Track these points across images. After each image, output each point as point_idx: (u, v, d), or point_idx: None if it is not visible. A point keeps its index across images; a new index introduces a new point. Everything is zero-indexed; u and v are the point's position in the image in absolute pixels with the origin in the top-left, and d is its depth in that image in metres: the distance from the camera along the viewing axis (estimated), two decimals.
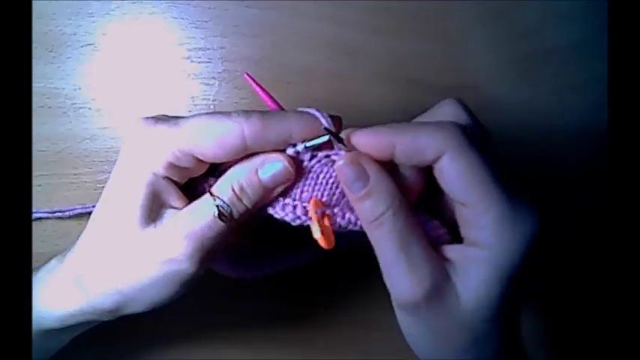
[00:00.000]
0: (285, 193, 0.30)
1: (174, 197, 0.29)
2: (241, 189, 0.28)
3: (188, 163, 0.28)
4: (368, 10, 0.44)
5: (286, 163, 0.28)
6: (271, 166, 0.28)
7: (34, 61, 0.41)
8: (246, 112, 0.27)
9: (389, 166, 0.28)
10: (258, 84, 0.32)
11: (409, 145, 0.26)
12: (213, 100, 0.43)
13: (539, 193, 0.47)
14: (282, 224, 0.31)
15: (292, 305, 0.46)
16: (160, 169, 0.28)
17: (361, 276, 0.45)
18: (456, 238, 0.29)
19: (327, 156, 0.29)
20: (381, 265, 0.28)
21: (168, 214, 0.29)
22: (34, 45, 0.41)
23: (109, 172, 0.43)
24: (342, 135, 0.29)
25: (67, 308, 0.30)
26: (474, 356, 0.27)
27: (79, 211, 0.41)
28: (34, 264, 0.43)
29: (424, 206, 0.30)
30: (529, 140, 0.46)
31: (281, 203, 0.30)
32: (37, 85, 0.42)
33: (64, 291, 0.30)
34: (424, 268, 0.27)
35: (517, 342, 0.29)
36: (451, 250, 0.28)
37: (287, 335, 0.46)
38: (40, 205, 0.42)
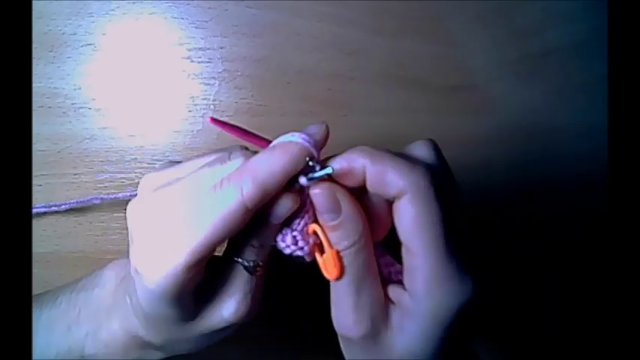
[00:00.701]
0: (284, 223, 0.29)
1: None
2: (259, 243, 0.29)
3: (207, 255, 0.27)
4: (368, 10, 0.44)
5: (293, 200, 0.28)
6: (282, 209, 0.28)
7: (34, 61, 0.41)
8: (239, 181, 0.26)
9: (365, 198, 0.28)
10: (226, 124, 0.29)
11: (376, 175, 0.26)
12: (213, 100, 0.43)
13: (538, 195, 0.47)
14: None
15: (292, 305, 0.46)
16: (184, 277, 0.27)
17: None
18: None
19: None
20: (331, 292, 0.29)
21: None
22: (34, 45, 0.41)
23: (109, 172, 0.43)
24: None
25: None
26: None
27: (74, 204, 0.41)
28: (34, 264, 0.44)
29: (383, 241, 0.30)
30: (529, 140, 0.46)
31: (281, 235, 0.29)
32: (37, 85, 0.42)
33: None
34: (368, 310, 0.27)
35: None
36: (397, 293, 0.28)
37: (287, 335, 0.46)
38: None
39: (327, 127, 0.29)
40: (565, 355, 0.50)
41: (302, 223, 0.29)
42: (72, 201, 0.41)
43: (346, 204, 0.27)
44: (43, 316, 0.34)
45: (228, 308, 0.30)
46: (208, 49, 0.43)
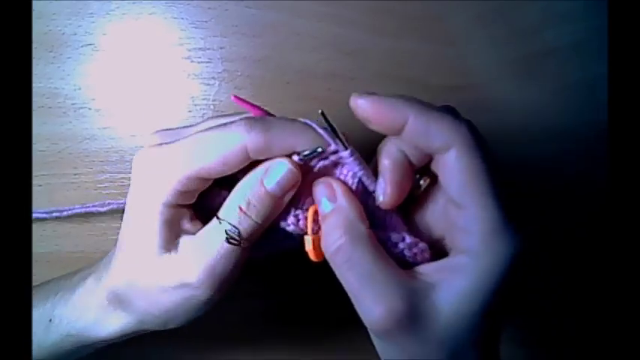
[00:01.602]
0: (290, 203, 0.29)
1: (187, 221, 0.29)
2: (249, 205, 0.28)
3: (194, 184, 0.28)
4: (368, 10, 0.44)
5: (291, 166, 0.27)
6: (276, 172, 0.27)
7: (34, 61, 0.41)
8: (249, 122, 0.27)
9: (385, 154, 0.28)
10: (250, 103, 0.31)
11: (422, 126, 0.26)
12: (213, 100, 0.43)
13: (538, 194, 0.47)
14: None
15: (292, 305, 0.46)
16: (168, 198, 0.28)
17: None
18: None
19: (333, 161, 0.29)
20: (349, 294, 0.27)
21: (183, 241, 0.29)
22: (33, 45, 0.41)
23: (109, 172, 0.43)
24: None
25: (115, 329, 0.32)
26: None
27: (78, 210, 0.41)
28: (34, 264, 0.44)
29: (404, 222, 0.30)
30: (529, 140, 0.46)
31: (286, 214, 0.29)
32: (37, 85, 0.42)
33: (108, 313, 0.31)
34: (394, 295, 0.26)
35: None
36: (428, 268, 0.27)
37: (287, 335, 0.46)
38: (40, 204, 0.42)
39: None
40: (564, 355, 0.50)
41: (302, 200, 0.29)
42: (77, 207, 0.41)
43: (340, 193, 0.28)
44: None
45: (190, 268, 0.28)
46: (208, 49, 0.43)
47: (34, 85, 0.42)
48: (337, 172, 0.29)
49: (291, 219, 0.29)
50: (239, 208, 0.28)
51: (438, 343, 0.26)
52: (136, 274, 0.29)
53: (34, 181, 0.42)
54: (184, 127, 0.32)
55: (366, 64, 0.44)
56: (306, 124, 0.28)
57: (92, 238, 0.44)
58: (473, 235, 0.26)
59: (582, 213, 0.48)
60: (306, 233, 0.29)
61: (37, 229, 0.43)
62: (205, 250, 0.28)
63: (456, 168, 0.26)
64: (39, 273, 0.43)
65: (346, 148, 0.28)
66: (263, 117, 0.30)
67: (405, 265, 0.28)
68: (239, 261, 0.29)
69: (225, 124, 0.27)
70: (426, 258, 0.29)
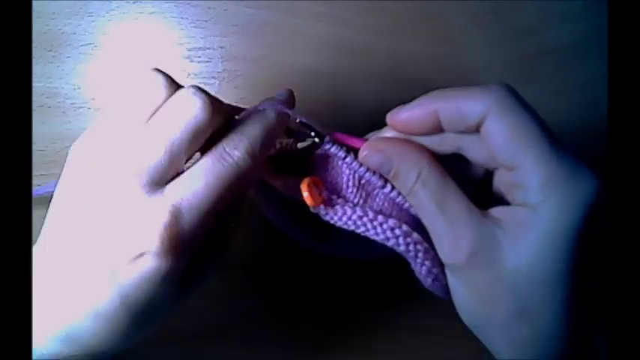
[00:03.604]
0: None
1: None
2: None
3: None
4: (368, 10, 0.44)
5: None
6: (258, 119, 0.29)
7: (34, 61, 0.41)
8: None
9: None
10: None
11: (452, 112, 0.26)
12: None
13: None
14: None
15: (293, 305, 0.46)
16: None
17: (361, 275, 0.45)
18: None
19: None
20: (427, 228, 0.28)
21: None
22: (33, 44, 0.41)
23: None
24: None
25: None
26: (523, 328, 0.26)
27: None
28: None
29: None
30: None
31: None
32: (37, 84, 0.42)
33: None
34: (464, 229, 0.26)
35: (586, 328, 0.27)
36: (499, 211, 0.27)
37: (287, 335, 0.46)
38: (40, 204, 0.42)
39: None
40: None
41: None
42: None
43: (392, 149, 0.28)
44: None
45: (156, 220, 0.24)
46: (208, 48, 0.43)
47: (33, 84, 0.42)
48: (330, 167, 0.31)
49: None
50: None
51: (505, 288, 0.25)
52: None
53: (34, 181, 0.42)
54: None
55: (365, 64, 0.44)
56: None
57: None
58: (530, 190, 0.25)
59: None
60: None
61: (37, 230, 0.43)
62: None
63: (495, 133, 0.25)
64: None
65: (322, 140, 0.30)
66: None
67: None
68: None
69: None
70: (419, 250, 0.29)
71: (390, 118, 0.28)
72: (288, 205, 0.36)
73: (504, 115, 0.25)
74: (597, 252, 0.26)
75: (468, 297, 0.27)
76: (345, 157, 0.30)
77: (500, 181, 0.28)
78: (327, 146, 0.30)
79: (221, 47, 0.43)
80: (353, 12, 0.44)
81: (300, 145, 0.33)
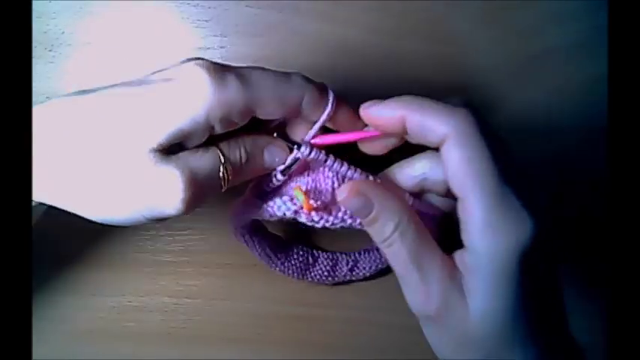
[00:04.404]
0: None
1: (196, 139, 0.28)
2: (247, 157, 0.30)
3: (243, 117, 0.28)
4: (368, 9, 0.44)
5: (287, 157, 0.31)
6: (278, 151, 0.31)
7: (34, 60, 0.41)
8: (306, 79, 0.29)
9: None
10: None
11: (417, 123, 0.26)
12: None
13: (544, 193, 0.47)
14: None
15: (292, 305, 0.46)
16: (217, 117, 0.27)
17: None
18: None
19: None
20: (397, 275, 0.28)
21: (176, 153, 0.28)
22: (33, 44, 0.41)
23: None
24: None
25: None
26: None
27: None
28: (34, 265, 0.43)
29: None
30: (529, 140, 0.46)
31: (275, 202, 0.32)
32: (37, 84, 0.42)
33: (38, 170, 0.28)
34: (436, 285, 0.26)
35: (562, 345, 0.28)
36: (459, 257, 0.27)
37: (287, 335, 0.46)
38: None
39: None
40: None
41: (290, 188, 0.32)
42: None
43: (375, 194, 0.28)
44: None
45: (174, 182, 0.27)
46: (208, 48, 0.43)
47: (33, 84, 0.41)
48: (311, 174, 0.32)
49: (285, 198, 0.31)
50: (239, 152, 0.30)
51: (470, 339, 0.26)
52: (108, 161, 0.27)
53: None
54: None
55: (366, 64, 0.44)
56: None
57: (92, 237, 0.44)
58: (473, 228, 0.25)
59: (582, 213, 0.48)
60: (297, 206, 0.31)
61: (37, 230, 0.43)
62: (200, 166, 0.28)
63: (452, 158, 0.26)
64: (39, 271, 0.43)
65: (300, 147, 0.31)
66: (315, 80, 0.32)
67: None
68: (208, 195, 0.29)
69: (284, 73, 0.29)
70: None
71: (361, 109, 0.29)
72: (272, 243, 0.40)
73: (462, 145, 0.25)
74: (545, 286, 0.27)
75: (440, 343, 0.28)
76: (326, 160, 0.30)
77: (458, 214, 0.28)
78: (306, 153, 0.30)
79: (221, 47, 0.43)
80: (353, 12, 0.44)
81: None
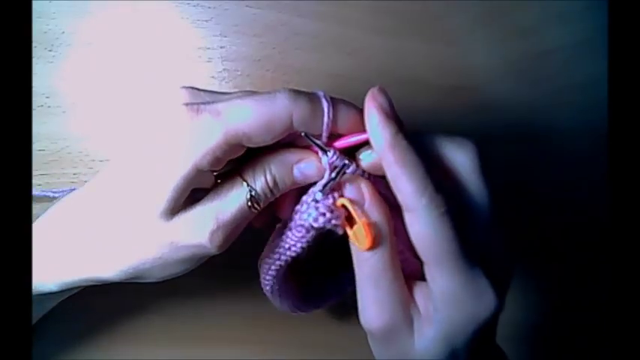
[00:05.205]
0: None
1: (206, 182, 0.29)
2: (274, 181, 0.28)
3: (230, 150, 0.27)
4: (368, 9, 0.44)
5: (320, 165, 0.29)
6: (308, 166, 0.29)
7: (34, 60, 0.41)
8: (295, 92, 0.27)
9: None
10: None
11: (391, 175, 0.26)
12: None
13: (537, 194, 0.47)
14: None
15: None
16: (205, 163, 0.26)
17: None
18: None
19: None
20: (356, 286, 0.29)
21: (198, 198, 0.28)
22: (33, 44, 0.41)
23: None
24: None
25: (71, 276, 0.30)
26: None
27: (68, 193, 0.41)
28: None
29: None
30: (529, 140, 0.46)
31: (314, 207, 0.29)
32: (37, 84, 0.42)
33: (68, 258, 0.30)
34: (389, 308, 0.27)
35: None
36: (421, 293, 0.28)
37: (287, 335, 0.46)
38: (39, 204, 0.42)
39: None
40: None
41: (331, 197, 0.29)
42: (66, 189, 0.39)
43: (369, 198, 0.28)
44: None
45: (205, 225, 0.28)
46: (208, 48, 0.43)
47: (33, 84, 0.41)
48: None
49: (322, 208, 0.29)
50: (265, 179, 0.28)
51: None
52: (127, 231, 0.28)
53: (34, 181, 0.42)
54: (215, 92, 0.30)
55: (366, 64, 0.44)
56: (352, 105, 0.29)
57: None
58: (436, 293, 0.27)
59: (582, 213, 0.48)
60: (344, 227, 0.29)
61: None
62: (226, 211, 0.28)
63: (412, 229, 0.26)
64: None
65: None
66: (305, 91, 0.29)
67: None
68: (243, 226, 0.29)
69: (268, 92, 0.27)
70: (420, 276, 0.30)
71: (374, 93, 0.27)
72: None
73: (424, 223, 0.25)
74: (485, 347, 0.30)
75: (381, 357, 0.30)
76: (349, 167, 0.29)
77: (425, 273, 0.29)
78: (333, 159, 0.28)
79: (221, 47, 0.43)
80: (354, 12, 0.44)
81: None
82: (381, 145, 0.26)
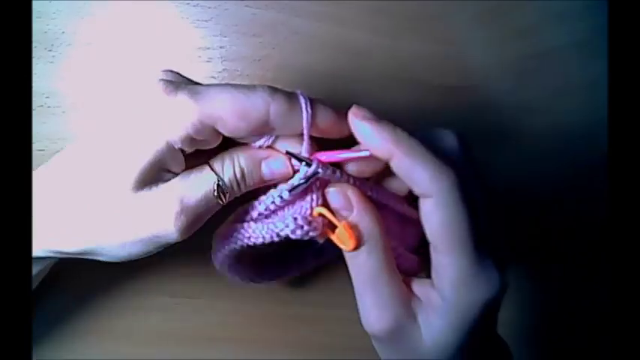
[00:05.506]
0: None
1: (176, 163, 0.28)
2: (242, 174, 0.29)
3: (205, 135, 0.27)
4: (368, 10, 0.44)
5: (289, 166, 0.29)
6: (276, 163, 0.29)
7: (34, 60, 0.41)
8: (273, 88, 0.27)
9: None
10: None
11: (403, 169, 0.26)
12: None
13: (537, 194, 0.47)
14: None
15: (292, 305, 0.46)
16: (177, 139, 0.27)
17: None
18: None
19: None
20: (355, 291, 0.29)
21: (165, 180, 0.28)
22: (33, 44, 0.41)
23: None
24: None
25: (35, 249, 0.30)
26: None
27: None
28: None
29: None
30: (529, 140, 0.46)
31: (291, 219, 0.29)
32: (37, 84, 0.42)
33: (35, 230, 0.29)
34: (390, 309, 0.28)
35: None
36: (423, 290, 0.29)
37: (287, 335, 0.46)
38: None
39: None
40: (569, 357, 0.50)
41: (308, 207, 0.29)
42: None
43: (357, 203, 0.29)
44: None
45: (169, 206, 0.27)
46: (208, 48, 0.43)
47: (33, 84, 0.41)
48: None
49: (300, 220, 0.29)
50: (234, 171, 0.29)
51: (420, 356, 0.28)
52: (96, 203, 0.28)
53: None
54: (197, 82, 0.31)
55: (366, 64, 0.44)
56: (329, 107, 0.29)
57: None
58: (445, 279, 0.27)
59: (582, 213, 0.48)
60: (324, 235, 0.30)
61: None
62: (191, 197, 0.28)
63: (432, 217, 0.26)
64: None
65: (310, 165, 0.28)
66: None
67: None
68: (207, 217, 0.29)
69: (248, 85, 0.27)
70: (417, 272, 0.31)
71: (352, 118, 0.28)
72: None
73: (443, 206, 0.26)
74: (489, 334, 0.31)
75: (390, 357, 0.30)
76: (335, 173, 0.29)
77: (431, 249, 0.29)
78: (320, 171, 0.29)
79: (221, 47, 0.43)
80: (353, 12, 0.44)
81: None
82: (387, 146, 0.26)
